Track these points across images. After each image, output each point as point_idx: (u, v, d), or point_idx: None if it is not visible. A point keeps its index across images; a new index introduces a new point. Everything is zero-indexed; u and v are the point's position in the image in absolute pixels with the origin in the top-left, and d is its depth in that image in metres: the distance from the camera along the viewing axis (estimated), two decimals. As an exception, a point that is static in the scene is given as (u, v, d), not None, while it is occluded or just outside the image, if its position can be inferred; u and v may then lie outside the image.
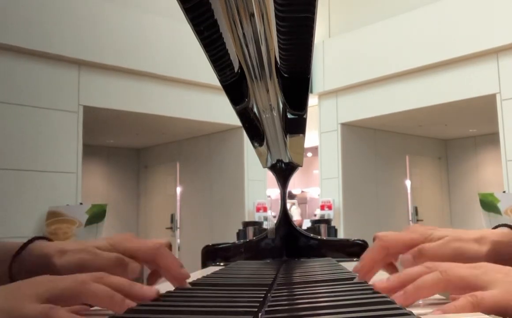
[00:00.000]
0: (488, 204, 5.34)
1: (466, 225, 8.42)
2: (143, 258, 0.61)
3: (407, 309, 0.40)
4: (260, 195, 7.49)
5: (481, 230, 0.64)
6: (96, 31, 5.83)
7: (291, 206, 9.50)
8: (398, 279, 0.52)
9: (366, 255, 0.65)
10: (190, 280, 0.63)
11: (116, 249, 0.61)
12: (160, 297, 0.52)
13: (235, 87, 0.76)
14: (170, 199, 8.75)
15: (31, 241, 0.58)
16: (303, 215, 10.53)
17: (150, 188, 9.33)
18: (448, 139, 9.24)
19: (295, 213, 9.03)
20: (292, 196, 10.10)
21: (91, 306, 0.51)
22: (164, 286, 0.60)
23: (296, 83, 0.70)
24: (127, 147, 9.39)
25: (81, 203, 5.52)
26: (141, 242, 0.62)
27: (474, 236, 0.63)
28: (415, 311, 0.41)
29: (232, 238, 1.47)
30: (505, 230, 0.64)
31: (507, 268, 0.49)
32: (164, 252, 0.61)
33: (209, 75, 1.05)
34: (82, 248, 0.59)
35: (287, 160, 1.24)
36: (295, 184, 12.40)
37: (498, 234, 0.63)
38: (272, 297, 0.51)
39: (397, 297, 0.48)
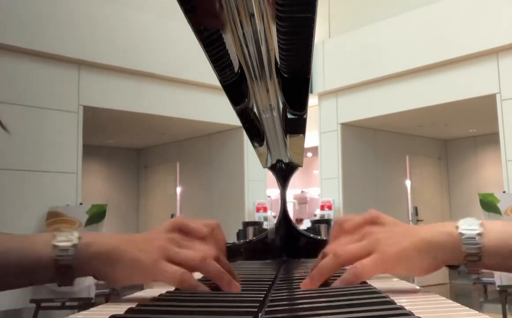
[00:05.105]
0: (488, 204, 5.34)
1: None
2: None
3: (407, 309, 0.40)
4: (260, 195, 7.49)
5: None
6: (96, 31, 5.83)
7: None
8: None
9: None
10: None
11: None
12: (160, 297, 0.52)
13: (235, 87, 0.76)
14: (170, 199, 8.75)
15: None
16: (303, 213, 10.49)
17: (150, 188, 9.33)
18: (448, 139, 9.24)
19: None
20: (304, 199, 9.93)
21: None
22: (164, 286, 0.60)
23: (296, 83, 0.70)
24: (127, 147, 9.38)
25: (81, 203, 5.52)
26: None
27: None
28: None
29: (232, 238, 1.47)
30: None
31: (391, 224, 0.62)
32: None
33: (209, 75, 1.05)
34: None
35: (287, 160, 1.24)
36: (295, 184, 12.39)
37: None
38: (272, 297, 0.51)
39: (304, 283, 0.57)
